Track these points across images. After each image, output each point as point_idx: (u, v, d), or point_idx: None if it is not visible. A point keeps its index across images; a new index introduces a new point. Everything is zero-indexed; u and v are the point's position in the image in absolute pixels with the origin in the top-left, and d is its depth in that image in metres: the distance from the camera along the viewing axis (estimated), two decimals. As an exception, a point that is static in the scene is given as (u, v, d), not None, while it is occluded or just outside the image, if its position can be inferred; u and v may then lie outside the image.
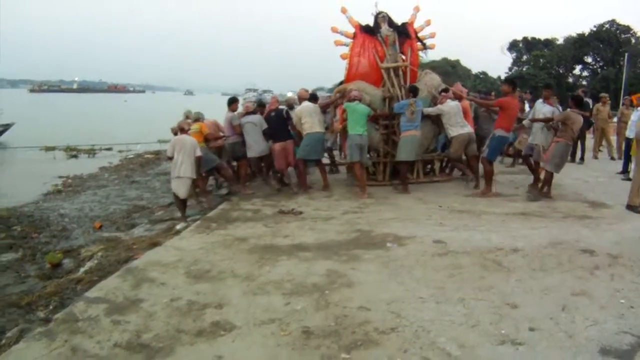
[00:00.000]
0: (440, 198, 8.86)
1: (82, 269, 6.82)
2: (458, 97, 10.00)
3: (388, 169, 10.40)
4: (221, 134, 10.39)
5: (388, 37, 10.33)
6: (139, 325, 4.13)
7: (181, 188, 8.64)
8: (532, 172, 9.52)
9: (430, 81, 10.55)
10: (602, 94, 15.98)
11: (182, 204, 8.84)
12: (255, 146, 9.89)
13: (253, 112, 10.12)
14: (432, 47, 11.32)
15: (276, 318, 4.10)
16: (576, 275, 4.94)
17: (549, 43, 56.00)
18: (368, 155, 9.89)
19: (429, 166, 10.96)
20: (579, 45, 50.31)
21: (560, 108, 9.68)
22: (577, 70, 53.93)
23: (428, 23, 11.19)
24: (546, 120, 8.88)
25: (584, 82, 52.10)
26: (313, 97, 10.19)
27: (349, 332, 3.78)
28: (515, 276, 4.93)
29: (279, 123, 9.88)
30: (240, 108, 10.69)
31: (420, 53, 11.25)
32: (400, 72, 10.29)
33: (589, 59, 52.27)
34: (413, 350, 3.47)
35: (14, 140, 29.64)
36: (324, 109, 10.30)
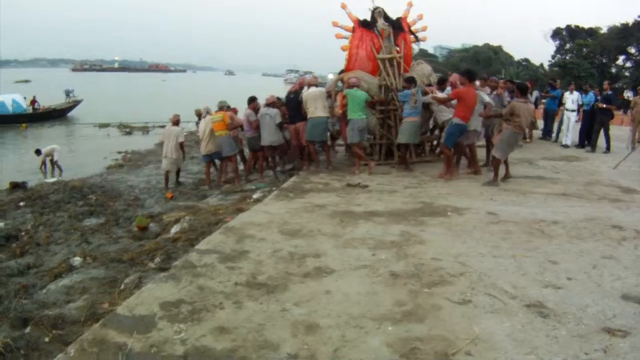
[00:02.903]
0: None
1: (172, 231, 7.74)
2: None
3: (384, 149, 11.55)
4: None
5: (384, 30, 11.42)
6: (251, 269, 4.95)
7: (166, 165, 12.60)
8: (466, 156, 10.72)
9: (421, 71, 11.67)
10: None
11: (167, 177, 12.65)
12: (267, 136, 10.95)
13: (272, 104, 11.15)
14: (424, 40, 12.48)
15: (367, 264, 5.14)
16: (606, 244, 5.96)
17: (592, 32, 55.18)
18: (368, 136, 11.05)
19: (420, 147, 11.98)
20: (622, 35, 49.48)
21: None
22: (621, 60, 53.16)
23: (420, 17, 12.26)
24: (497, 115, 9.70)
25: (627, 74, 51.50)
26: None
27: (427, 275, 4.87)
28: (555, 241, 5.99)
29: (293, 106, 11.04)
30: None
31: (413, 45, 12.41)
32: (395, 63, 11.33)
33: (632, 50, 51.43)
34: (479, 289, 4.55)
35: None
36: (329, 94, 11.42)
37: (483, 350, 3.51)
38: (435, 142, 12.18)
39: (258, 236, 6.09)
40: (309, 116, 10.52)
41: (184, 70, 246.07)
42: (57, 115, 33.33)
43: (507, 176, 9.76)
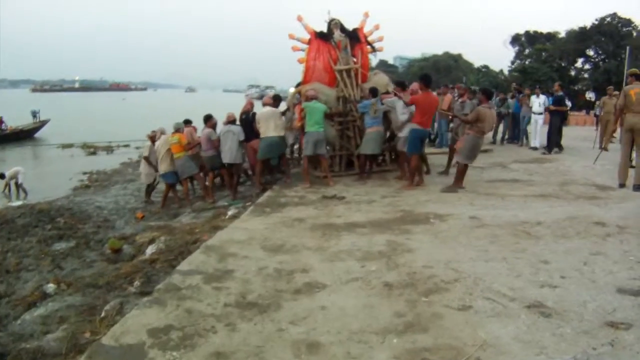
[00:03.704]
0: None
1: (148, 252, 7.48)
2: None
3: (343, 160, 11.51)
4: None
5: (340, 42, 11.46)
6: (239, 289, 4.73)
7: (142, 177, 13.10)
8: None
9: (379, 80, 11.67)
10: (609, 87, 16.98)
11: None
12: (228, 153, 10.89)
13: (233, 122, 11.13)
14: (380, 50, 12.49)
15: (358, 277, 5.00)
16: (592, 240, 5.98)
17: (551, 37, 56.47)
18: (327, 148, 10.99)
19: (381, 158, 11.94)
20: (580, 38, 50.81)
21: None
22: (579, 63, 54.46)
23: (377, 27, 12.25)
24: (466, 121, 9.68)
25: (586, 75, 52.78)
26: (276, 99, 11.55)
27: (422, 283, 4.76)
28: (542, 242, 5.97)
29: (246, 125, 10.96)
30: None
31: (370, 55, 12.42)
32: (352, 74, 11.37)
33: (591, 52, 52.76)
34: (476, 294, 4.47)
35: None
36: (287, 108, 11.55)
37: (492, 355, 3.42)
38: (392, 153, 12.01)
39: (240, 254, 5.88)
40: (261, 136, 10.45)
41: (145, 89, 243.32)
42: (24, 136, 32.82)
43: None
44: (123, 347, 3.72)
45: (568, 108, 14.98)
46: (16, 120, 34.63)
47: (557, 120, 14.62)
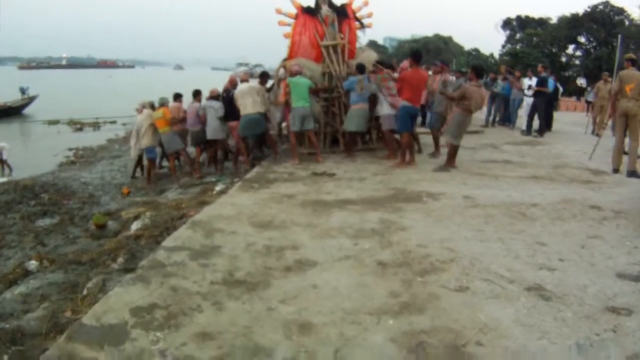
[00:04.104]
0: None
1: (133, 227, 7.25)
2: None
3: (328, 137, 11.33)
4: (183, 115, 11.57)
5: (327, 17, 11.23)
6: (227, 266, 4.54)
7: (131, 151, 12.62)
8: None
9: (367, 57, 11.37)
10: (604, 73, 16.88)
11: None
12: (210, 130, 10.81)
13: (216, 97, 10.90)
14: (369, 26, 12.23)
15: (350, 255, 4.82)
16: (588, 224, 5.85)
17: (542, 22, 56.18)
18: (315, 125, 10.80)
19: (367, 136, 11.73)
20: (572, 25, 50.59)
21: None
22: (570, 49, 54.34)
23: (366, 3, 12.01)
24: (450, 97, 9.51)
25: (577, 62, 52.68)
26: (263, 76, 11.48)
27: (417, 262, 4.60)
28: (539, 223, 5.84)
29: (227, 104, 10.67)
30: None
31: (358, 31, 12.13)
32: (339, 50, 11.14)
33: (582, 39, 52.56)
34: (473, 274, 4.32)
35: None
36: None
37: (493, 339, 3.27)
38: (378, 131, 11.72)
39: (228, 229, 5.66)
40: (241, 113, 10.22)
41: (133, 66, 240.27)
42: (12, 112, 32.15)
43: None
44: (104, 326, 3.50)
45: (549, 90, 14.77)
46: (4, 97, 33.86)
47: (540, 101, 14.47)
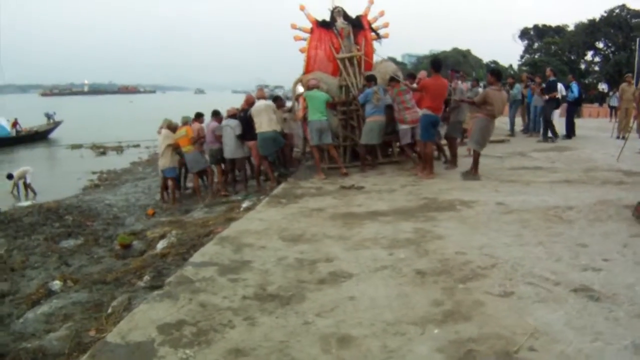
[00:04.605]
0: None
1: (159, 247, 7.12)
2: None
3: (348, 151, 11.01)
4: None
5: (343, 29, 11.10)
6: (258, 280, 4.38)
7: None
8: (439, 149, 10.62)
9: (384, 69, 11.05)
10: (628, 74, 16.49)
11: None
12: (227, 148, 10.70)
13: (234, 116, 10.79)
14: (386, 36, 11.94)
15: (387, 265, 4.63)
16: (627, 223, 5.66)
17: (560, 30, 55.85)
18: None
19: (390, 149, 11.45)
20: (590, 31, 50.20)
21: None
22: (589, 56, 53.84)
23: (382, 14, 11.83)
24: (470, 102, 9.31)
25: (597, 68, 52.16)
26: (276, 99, 11.27)
27: (457, 270, 4.40)
28: (577, 225, 5.64)
29: (244, 124, 10.49)
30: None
31: (375, 42, 11.86)
32: (355, 62, 10.98)
33: (600, 45, 52.12)
34: (517, 279, 4.12)
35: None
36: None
37: (546, 344, 3.08)
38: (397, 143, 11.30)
39: (257, 244, 5.51)
40: (257, 131, 10.05)
41: (154, 91, 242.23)
42: (39, 137, 32.58)
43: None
44: (130, 344, 3.36)
45: (559, 95, 14.49)
46: (29, 123, 34.40)
47: (550, 107, 14.19)
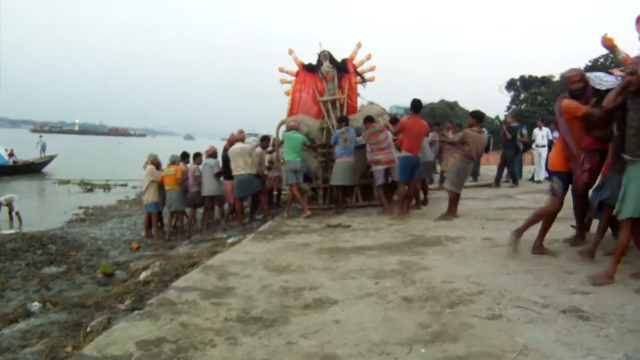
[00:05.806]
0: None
1: (142, 276, 7.00)
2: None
3: (327, 193, 10.89)
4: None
5: (328, 73, 11.27)
6: (241, 305, 4.33)
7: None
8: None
9: (368, 111, 10.93)
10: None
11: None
12: (206, 186, 11.02)
13: (213, 154, 11.13)
14: (371, 80, 11.98)
15: (373, 292, 4.56)
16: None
17: (545, 80, 56.79)
18: (309, 182, 10.77)
19: (368, 190, 11.13)
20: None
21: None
22: (576, 104, 54.72)
23: (368, 57, 11.89)
24: (451, 143, 9.47)
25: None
26: (263, 139, 11.61)
27: (444, 296, 4.34)
28: (564, 256, 5.63)
29: (225, 163, 10.67)
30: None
31: (360, 86, 11.92)
32: (338, 105, 11.12)
33: (586, 93, 53.12)
34: (505, 303, 4.06)
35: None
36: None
37: (536, 359, 3.02)
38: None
39: (242, 273, 5.47)
40: (233, 173, 10.21)
41: (144, 135, 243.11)
42: (34, 169, 32.72)
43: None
44: (107, 358, 3.26)
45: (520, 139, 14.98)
46: (23, 155, 34.46)
47: (509, 153, 14.45)
